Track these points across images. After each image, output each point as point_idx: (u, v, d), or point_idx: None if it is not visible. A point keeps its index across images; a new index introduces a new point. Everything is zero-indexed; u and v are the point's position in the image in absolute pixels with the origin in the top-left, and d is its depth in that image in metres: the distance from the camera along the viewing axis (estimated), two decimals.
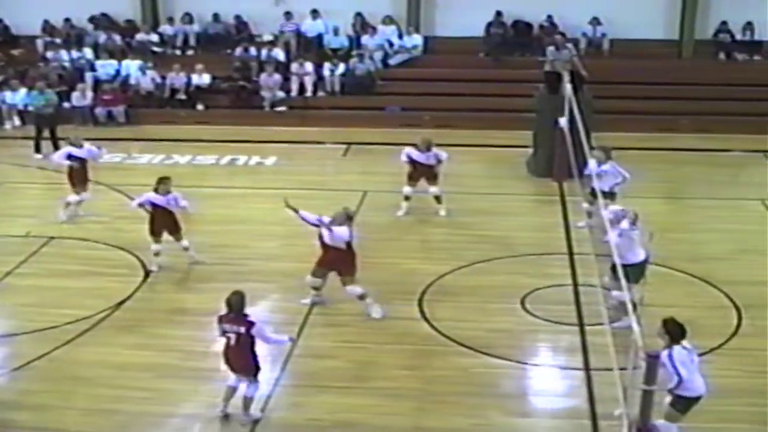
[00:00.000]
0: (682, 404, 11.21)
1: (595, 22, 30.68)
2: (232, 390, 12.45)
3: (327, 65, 29.77)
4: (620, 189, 18.40)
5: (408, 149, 19.87)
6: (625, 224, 14.45)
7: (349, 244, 15.01)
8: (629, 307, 11.85)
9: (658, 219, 19.17)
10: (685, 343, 11.03)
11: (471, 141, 25.47)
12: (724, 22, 30.57)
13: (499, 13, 30.69)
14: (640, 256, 14.47)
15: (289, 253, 17.64)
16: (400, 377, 13.53)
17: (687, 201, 21.57)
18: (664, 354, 10.76)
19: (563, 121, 21.45)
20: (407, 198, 19.99)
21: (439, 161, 19.96)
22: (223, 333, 12.14)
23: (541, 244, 18.55)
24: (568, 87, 21.67)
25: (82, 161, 19.80)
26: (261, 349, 12.38)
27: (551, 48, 24.09)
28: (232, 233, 19.16)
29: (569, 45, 24.43)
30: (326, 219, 14.82)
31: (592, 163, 18.41)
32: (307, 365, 13.82)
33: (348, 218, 15.05)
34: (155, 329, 15.04)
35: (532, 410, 12.90)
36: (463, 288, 16.58)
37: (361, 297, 15.24)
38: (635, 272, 13.93)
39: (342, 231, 14.76)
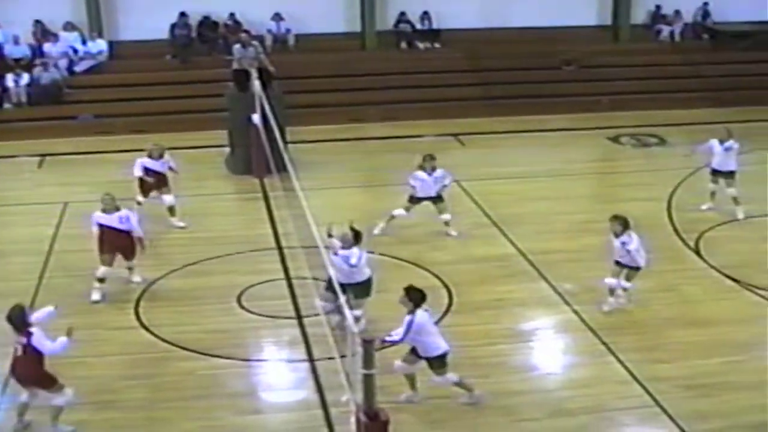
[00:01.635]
0: (438, 363, 12.36)
1: (278, 17, 30.99)
2: (24, 405, 12.12)
3: (10, 76, 28.55)
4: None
5: (141, 159, 19.37)
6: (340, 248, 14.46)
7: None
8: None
9: (360, 207, 19.81)
10: (425, 306, 12.24)
11: (168, 144, 25.14)
12: (403, 13, 31.73)
13: (183, 14, 30.44)
14: (364, 274, 14.54)
15: None
16: (126, 388, 13.31)
17: (386, 188, 22.22)
18: (407, 318, 12.02)
19: (256, 118, 21.65)
20: (139, 203, 19.45)
21: (171, 168, 19.66)
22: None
23: (249, 241, 18.69)
24: (257, 84, 21.90)
25: None
26: None
27: (237, 46, 24.16)
28: None
29: (255, 42, 24.57)
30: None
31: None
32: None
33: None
34: None
35: (263, 407, 13.02)
36: (177, 292, 16.51)
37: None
38: (358, 290, 14.33)
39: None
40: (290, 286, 16.55)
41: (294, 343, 14.63)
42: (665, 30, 33.05)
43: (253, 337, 14.99)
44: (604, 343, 14.59)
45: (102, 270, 15.89)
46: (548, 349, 14.90)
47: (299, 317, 15.36)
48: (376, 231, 18.64)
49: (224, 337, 14.80)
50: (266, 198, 21.15)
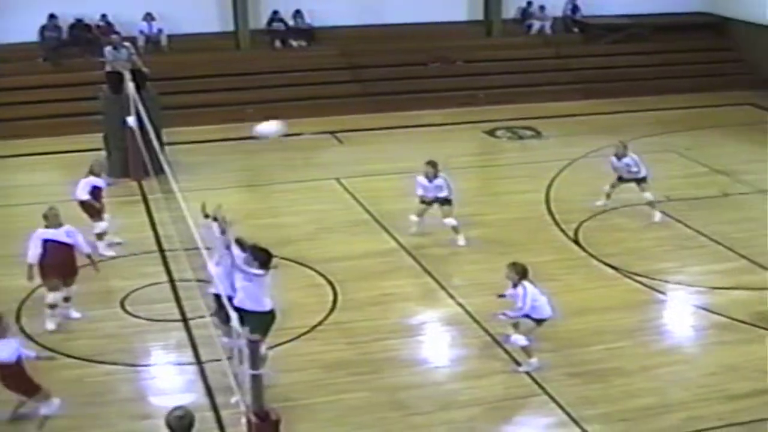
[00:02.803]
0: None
1: (150, 18, 30.52)
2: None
3: None
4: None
5: (87, 179, 18.15)
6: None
7: None
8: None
9: (243, 207, 19.66)
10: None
11: (45, 149, 24.73)
12: (276, 12, 31.58)
13: (52, 16, 29.73)
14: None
15: None
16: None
17: (268, 187, 22.20)
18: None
19: (131, 120, 21.34)
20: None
21: (109, 185, 18.91)
22: None
23: (130, 244, 18.37)
24: (130, 86, 21.57)
25: None
26: None
27: (109, 48, 23.69)
28: None
29: (127, 44, 24.16)
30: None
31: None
32: None
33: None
34: None
35: (153, 411, 12.73)
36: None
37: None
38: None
39: None
40: (174, 288, 16.35)
41: (181, 346, 14.46)
42: (536, 24, 33.55)
43: (140, 342, 14.73)
44: (490, 335, 14.71)
45: (51, 296, 14.89)
46: (436, 343, 15.01)
47: (185, 320, 15.20)
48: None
49: (110, 342, 14.54)
50: (145, 201, 20.85)
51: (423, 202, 18.62)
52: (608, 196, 20.27)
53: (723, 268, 17.45)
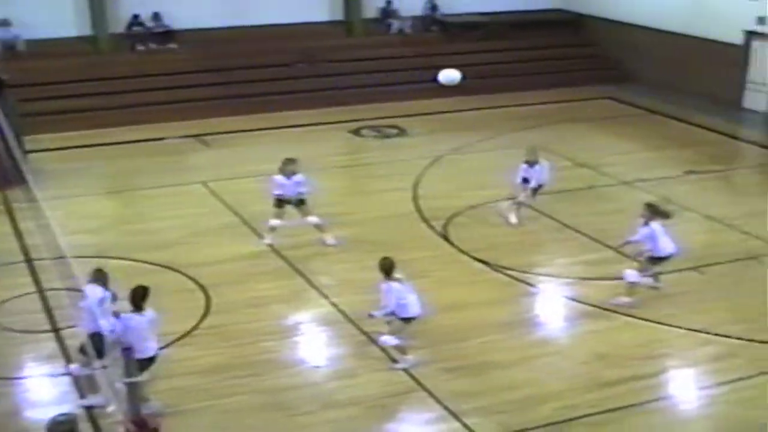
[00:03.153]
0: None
1: (5, 23, 29.75)
2: None
3: None
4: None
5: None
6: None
7: None
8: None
9: (111, 213, 19.37)
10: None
11: None
12: (136, 15, 31.12)
13: None
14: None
15: None
16: None
17: (136, 192, 21.88)
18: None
19: None
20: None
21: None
22: None
23: None
24: None
25: None
26: None
27: None
28: None
29: None
30: None
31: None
32: None
33: None
34: None
35: (29, 425, 12.51)
36: None
37: None
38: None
39: None
40: (43, 298, 15.98)
41: (53, 357, 14.17)
42: (395, 24, 33.80)
43: (11, 354, 14.42)
44: (365, 333, 14.80)
45: None
46: (313, 343, 15.03)
47: (56, 330, 14.87)
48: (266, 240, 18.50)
49: None
50: (9, 210, 20.26)
51: (281, 201, 18.38)
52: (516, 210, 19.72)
53: (590, 258, 17.87)
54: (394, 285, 13.57)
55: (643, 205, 16.06)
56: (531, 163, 19.61)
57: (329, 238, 18.48)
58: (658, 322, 15.27)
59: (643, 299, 15.91)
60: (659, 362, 14.12)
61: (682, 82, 30.55)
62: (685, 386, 13.77)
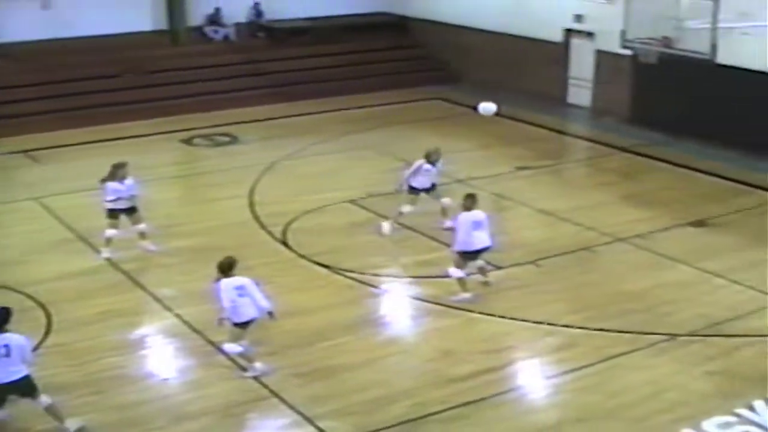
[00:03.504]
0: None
1: None
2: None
3: None
4: None
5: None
6: None
7: None
8: None
9: None
10: None
11: None
12: None
13: None
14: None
15: None
16: None
17: None
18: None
19: None
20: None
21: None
22: None
23: None
24: None
25: None
26: None
27: None
28: None
29: None
30: None
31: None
32: None
33: None
34: None
35: None
36: None
37: None
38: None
39: None
40: None
41: None
42: (221, 31, 33.56)
43: None
44: (211, 343, 14.69)
45: None
46: (160, 356, 14.83)
47: None
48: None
49: None
50: None
51: (113, 211, 18.05)
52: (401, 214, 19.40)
53: (430, 258, 18.08)
54: (224, 284, 13.45)
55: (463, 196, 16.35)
56: (433, 162, 19.20)
57: (149, 245, 18.31)
58: (501, 317, 15.63)
59: (484, 295, 16.27)
60: (505, 355, 14.46)
61: (508, 81, 31.24)
62: (532, 377, 14.15)
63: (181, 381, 13.94)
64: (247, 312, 13.60)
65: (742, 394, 13.11)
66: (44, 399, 12.22)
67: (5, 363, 11.79)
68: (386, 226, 19.34)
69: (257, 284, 13.87)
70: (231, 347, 13.77)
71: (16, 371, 11.90)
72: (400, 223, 19.37)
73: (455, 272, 16.15)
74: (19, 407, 12.49)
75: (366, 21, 35.52)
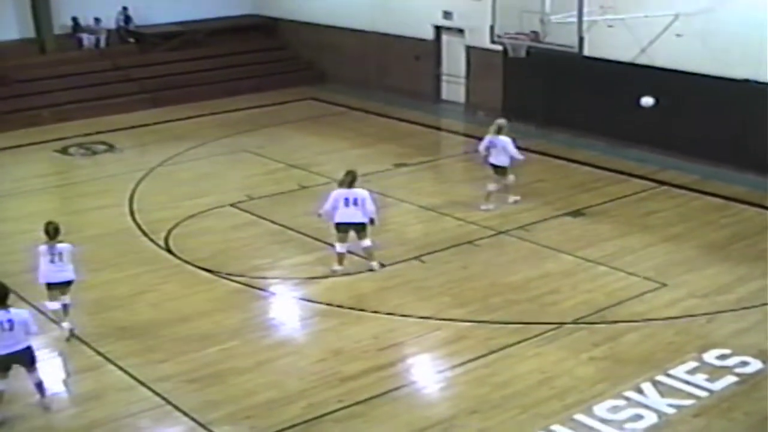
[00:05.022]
0: None
1: None
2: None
3: None
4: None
5: None
6: None
7: None
8: None
9: None
10: None
11: None
12: None
13: None
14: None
15: None
16: None
17: None
18: None
19: None
20: None
21: None
22: None
23: None
24: None
25: None
26: None
27: None
28: None
29: None
30: None
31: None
32: None
33: None
34: None
35: None
36: None
37: None
38: None
39: None
40: None
41: None
42: (89, 38, 32.92)
43: None
44: (100, 354, 14.45)
45: None
46: (49, 369, 14.37)
47: None
48: None
49: None
50: None
51: None
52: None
53: (313, 258, 18.08)
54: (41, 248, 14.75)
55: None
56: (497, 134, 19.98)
57: None
58: (389, 313, 15.69)
59: (371, 293, 16.34)
60: (395, 352, 14.49)
61: (378, 79, 31.44)
62: (423, 372, 14.21)
63: (70, 394, 13.64)
64: (58, 276, 14.64)
65: (630, 377, 13.41)
66: (38, 374, 13.01)
67: (9, 336, 12.48)
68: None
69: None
70: (50, 305, 14.64)
71: (19, 342, 12.64)
72: (283, 225, 19.38)
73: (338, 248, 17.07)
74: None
75: (235, 24, 35.27)
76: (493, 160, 20.08)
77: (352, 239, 17.21)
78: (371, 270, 17.16)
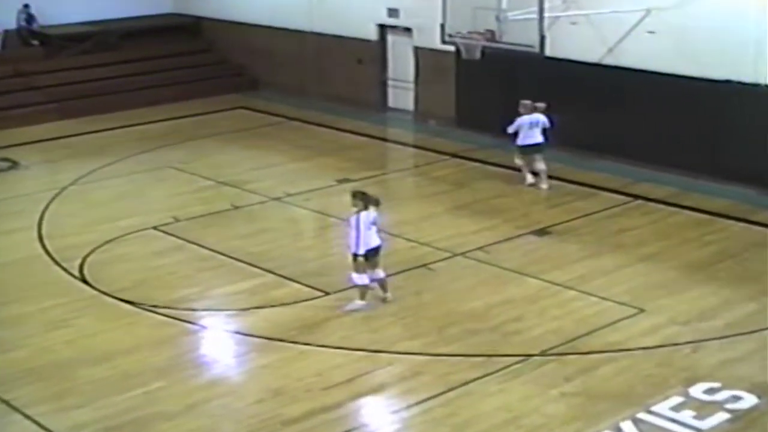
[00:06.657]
0: None
1: None
2: None
3: None
4: None
5: None
6: None
7: None
8: None
9: None
10: None
11: None
12: None
13: None
14: None
15: None
16: None
17: None
18: None
19: None
20: None
21: None
22: None
23: None
24: None
25: None
26: None
27: None
28: None
29: None
30: None
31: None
32: None
33: None
34: None
35: None
36: None
37: None
38: None
39: None
40: None
41: None
42: None
43: None
44: (3, 401, 14.18)
45: None
46: None
47: None
48: None
49: None
50: None
51: None
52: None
53: (249, 286, 17.98)
54: None
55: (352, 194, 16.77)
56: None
57: None
58: (335, 347, 15.57)
59: (315, 324, 16.24)
60: (343, 390, 14.32)
61: (321, 85, 31.41)
62: (375, 412, 14.09)
63: None
64: None
65: (606, 415, 13.36)
66: None
67: None
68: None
69: None
70: None
71: None
72: (213, 249, 19.25)
73: (359, 279, 16.51)
74: None
75: (154, 24, 35.11)
76: (528, 140, 22.11)
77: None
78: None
